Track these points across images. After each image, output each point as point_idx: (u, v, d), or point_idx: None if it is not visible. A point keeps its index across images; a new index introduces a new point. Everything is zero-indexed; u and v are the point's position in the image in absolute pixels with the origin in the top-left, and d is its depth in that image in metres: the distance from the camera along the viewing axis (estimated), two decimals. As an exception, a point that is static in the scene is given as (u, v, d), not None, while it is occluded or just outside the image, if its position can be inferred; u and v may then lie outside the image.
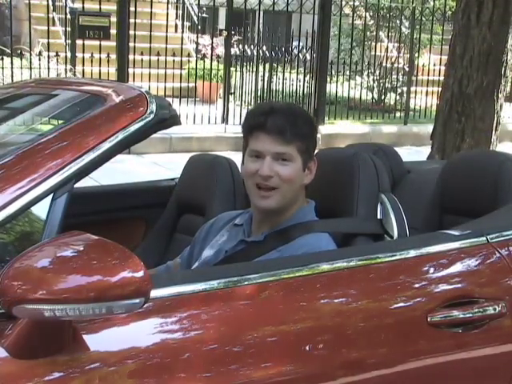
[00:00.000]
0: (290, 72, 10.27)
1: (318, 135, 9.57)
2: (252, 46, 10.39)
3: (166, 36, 9.29)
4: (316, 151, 2.39)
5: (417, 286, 1.86)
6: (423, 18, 11.29)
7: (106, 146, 1.67)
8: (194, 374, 1.53)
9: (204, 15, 12.38)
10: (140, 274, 1.36)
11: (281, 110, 2.04)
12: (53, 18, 11.00)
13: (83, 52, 8.86)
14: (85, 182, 1.84)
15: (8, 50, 8.98)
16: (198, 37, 10.47)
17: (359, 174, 2.17)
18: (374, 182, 2.20)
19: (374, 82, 11.43)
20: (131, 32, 8.89)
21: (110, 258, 1.37)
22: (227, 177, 2.56)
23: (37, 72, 8.95)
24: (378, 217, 2.18)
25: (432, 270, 1.90)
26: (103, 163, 1.69)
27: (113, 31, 9.02)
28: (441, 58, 10.46)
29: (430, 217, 2.51)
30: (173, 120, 1.83)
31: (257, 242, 2.07)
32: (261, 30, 10.27)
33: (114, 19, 8.91)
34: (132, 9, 8.82)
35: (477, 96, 5.25)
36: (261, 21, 10.69)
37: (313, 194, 2.17)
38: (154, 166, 7.96)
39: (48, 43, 9.15)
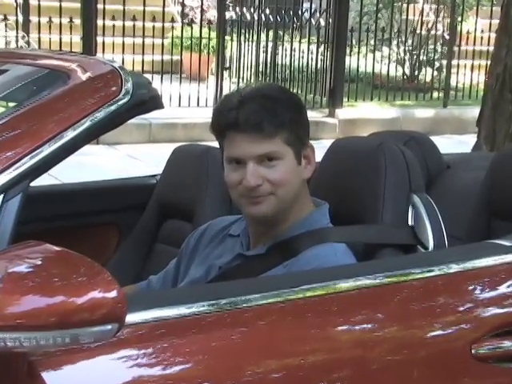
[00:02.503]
0: (300, 41, 10.28)
1: (335, 121, 9.62)
2: (252, 9, 10.40)
3: (144, -5, 9.31)
4: (332, 141, 2.39)
5: (459, 309, 1.87)
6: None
7: (69, 134, 1.68)
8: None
9: (192, -30, 12.40)
10: (113, 293, 1.37)
11: (253, 98, 2.00)
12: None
13: (39, 16, 8.85)
14: (43, 180, 1.86)
15: None
16: (184, -3, 10.49)
17: (386, 170, 2.19)
18: (404, 180, 2.21)
19: (405, 53, 11.43)
20: (100, -9, 8.91)
21: (76, 274, 1.38)
22: (221, 173, 2.57)
23: (-19, 41, 8.98)
24: (410, 223, 2.19)
25: (478, 289, 1.91)
26: (66, 156, 1.70)
27: (77, -11, 9.03)
28: (490, 23, 10.46)
29: (474, 223, 2.52)
30: (153, 102, 1.84)
31: (258, 256, 2.08)
32: (263, -12, 10.29)
33: (77, -26, 8.93)
34: (101, -39, 8.84)
35: (535, 71, 5.25)
36: (263, -23, 10.71)
37: (327, 195, 2.18)
38: (129, 159, 7.98)
39: (-6, 4, 9.17)
